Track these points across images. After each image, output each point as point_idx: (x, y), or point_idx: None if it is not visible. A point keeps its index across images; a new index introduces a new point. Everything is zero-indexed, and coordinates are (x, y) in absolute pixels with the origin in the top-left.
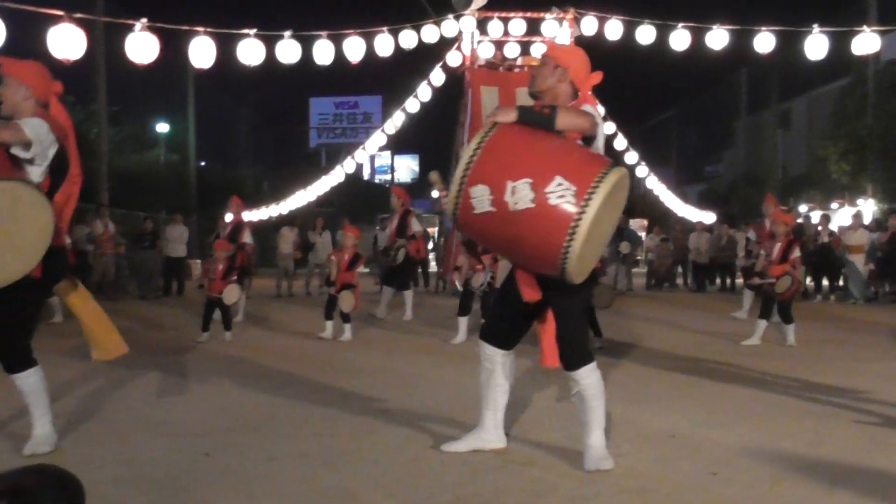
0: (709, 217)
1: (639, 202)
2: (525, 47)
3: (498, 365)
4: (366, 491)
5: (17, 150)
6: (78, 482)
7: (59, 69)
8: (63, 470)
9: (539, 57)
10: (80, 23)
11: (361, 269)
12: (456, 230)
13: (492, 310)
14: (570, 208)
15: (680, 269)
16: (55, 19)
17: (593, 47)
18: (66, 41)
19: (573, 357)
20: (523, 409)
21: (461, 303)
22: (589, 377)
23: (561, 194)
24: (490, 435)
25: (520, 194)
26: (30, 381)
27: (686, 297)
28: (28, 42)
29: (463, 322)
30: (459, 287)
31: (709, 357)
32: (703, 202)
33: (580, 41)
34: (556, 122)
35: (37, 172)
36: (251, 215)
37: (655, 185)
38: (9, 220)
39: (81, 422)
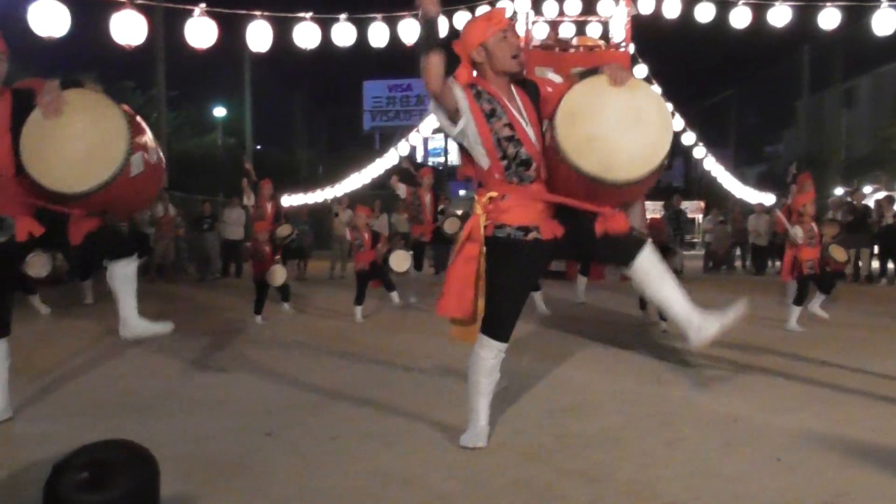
0: (768, 199)
1: (695, 184)
2: (580, 27)
3: (500, 358)
4: (426, 471)
5: None
6: (152, 457)
7: (120, 55)
8: (139, 445)
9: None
10: (141, 9)
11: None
12: None
13: (500, 306)
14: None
15: (738, 252)
16: (117, 6)
17: (650, 26)
18: (128, 27)
19: (628, 249)
20: (582, 392)
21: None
22: (650, 254)
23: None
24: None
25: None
26: None
27: (745, 280)
28: (91, 29)
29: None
30: None
31: (768, 341)
32: (762, 183)
33: (637, 20)
34: None
35: None
36: (307, 198)
37: (713, 167)
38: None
39: (146, 399)
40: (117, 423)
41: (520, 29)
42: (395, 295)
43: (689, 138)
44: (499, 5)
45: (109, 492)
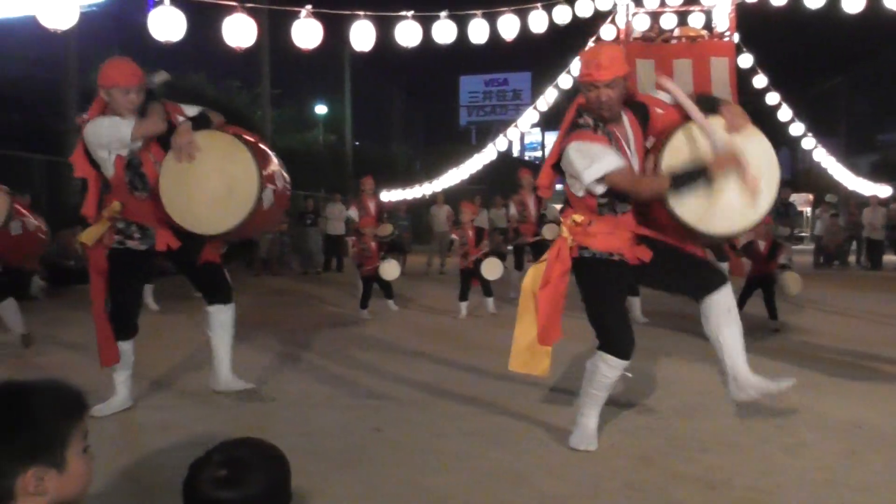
0: (884, 190)
1: (803, 175)
2: (682, 17)
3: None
4: (534, 472)
5: None
6: (284, 455)
7: (229, 56)
8: (270, 443)
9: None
10: (251, 12)
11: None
12: None
13: (607, 321)
14: None
15: (853, 247)
16: (229, 10)
17: (757, 13)
18: (239, 30)
19: (713, 277)
20: (693, 394)
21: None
22: (728, 294)
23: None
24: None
25: None
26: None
27: (859, 275)
28: (204, 32)
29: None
30: None
31: (889, 341)
32: (875, 174)
33: (742, 8)
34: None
35: None
36: (405, 193)
37: (823, 158)
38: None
39: (257, 395)
40: (231, 415)
41: (619, 21)
42: (490, 302)
43: (796, 129)
44: None
45: (247, 489)
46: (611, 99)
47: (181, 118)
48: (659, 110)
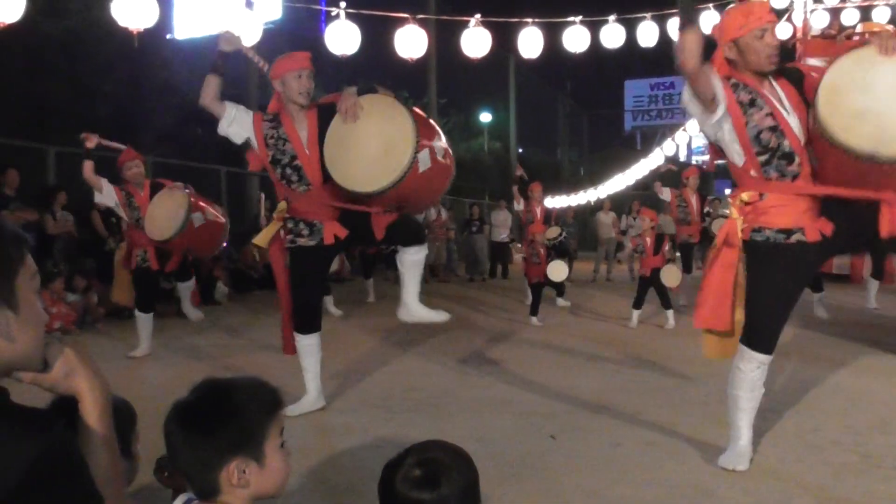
0: None
1: None
2: (865, 12)
3: (763, 371)
4: (720, 486)
5: None
6: (471, 457)
7: (400, 67)
8: (457, 446)
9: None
10: (422, 23)
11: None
12: None
13: (762, 315)
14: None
15: None
16: (400, 22)
17: None
18: (411, 41)
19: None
20: (885, 407)
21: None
22: None
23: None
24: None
25: None
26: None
27: None
28: (377, 45)
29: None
30: None
31: None
32: None
33: None
34: None
35: None
36: (570, 200)
37: None
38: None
39: (429, 397)
40: (408, 419)
41: (797, 18)
42: (670, 314)
43: None
44: None
45: (443, 489)
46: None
47: None
48: (814, 73)
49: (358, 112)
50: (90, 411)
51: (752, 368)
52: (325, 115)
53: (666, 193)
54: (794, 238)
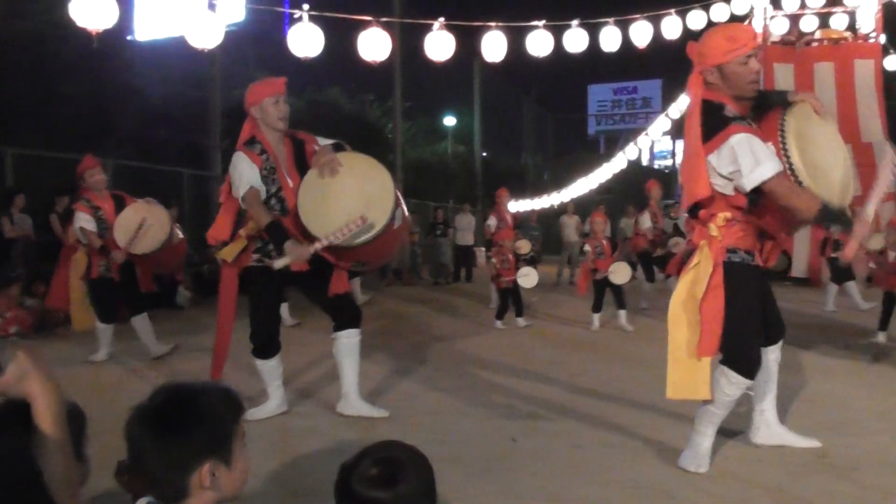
0: None
1: None
2: (824, 19)
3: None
4: (680, 488)
5: None
6: (427, 460)
7: (363, 70)
8: (412, 446)
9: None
10: (386, 26)
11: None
12: None
13: (744, 335)
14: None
15: None
16: (364, 24)
17: None
18: (375, 44)
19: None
20: (843, 409)
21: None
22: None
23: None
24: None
25: None
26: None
27: None
28: (339, 47)
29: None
30: None
31: None
32: None
33: (889, 7)
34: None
35: None
36: (533, 203)
37: None
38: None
39: (392, 401)
40: (370, 422)
41: (757, 24)
42: (623, 315)
43: None
44: (735, 1)
45: (400, 487)
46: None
47: (316, 147)
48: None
49: (337, 168)
50: (43, 415)
51: (736, 393)
52: (299, 147)
53: (645, 221)
54: (755, 261)
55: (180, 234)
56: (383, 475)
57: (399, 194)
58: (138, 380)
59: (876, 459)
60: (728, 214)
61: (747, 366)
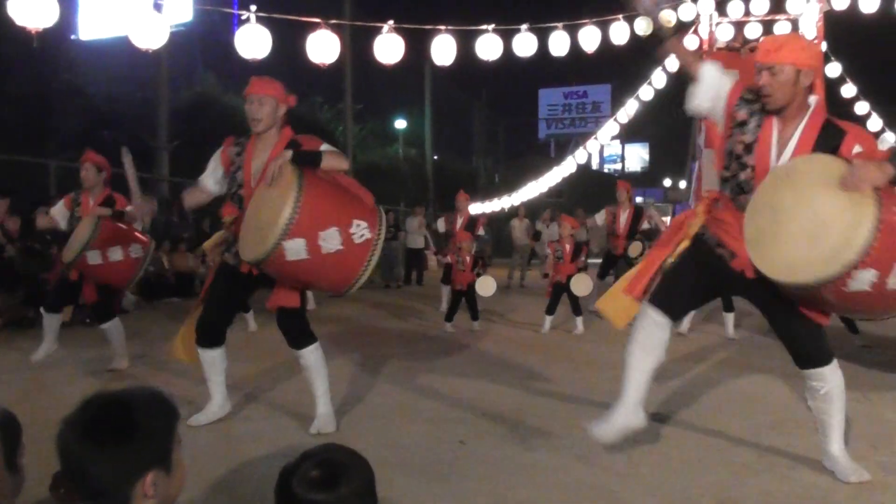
0: None
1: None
2: (768, 26)
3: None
4: (623, 487)
5: None
6: (367, 462)
7: (312, 72)
8: (353, 449)
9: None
10: (334, 28)
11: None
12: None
13: (671, 279)
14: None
15: None
16: (313, 26)
17: (845, 22)
18: (323, 46)
19: (806, 349)
20: (782, 410)
21: None
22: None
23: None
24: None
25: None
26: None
27: None
28: (288, 49)
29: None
30: None
31: None
32: None
33: (830, 16)
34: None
35: None
36: (484, 207)
37: None
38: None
39: (342, 406)
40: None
41: (703, 31)
42: (579, 321)
43: (887, 139)
44: (682, 7)
45: (340, 489)
46: (770, 86)
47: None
48: (858, 148)
49: (270, 179)
50: None
51: (644, 325)
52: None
53: (600, 218)
54: (720, 251)
55: (134, 254)
56: (324, 477)
57: (341, 220)
58: (82, 388)
59: (813, 459)
60: (715, 196)
61: (659, 297)
